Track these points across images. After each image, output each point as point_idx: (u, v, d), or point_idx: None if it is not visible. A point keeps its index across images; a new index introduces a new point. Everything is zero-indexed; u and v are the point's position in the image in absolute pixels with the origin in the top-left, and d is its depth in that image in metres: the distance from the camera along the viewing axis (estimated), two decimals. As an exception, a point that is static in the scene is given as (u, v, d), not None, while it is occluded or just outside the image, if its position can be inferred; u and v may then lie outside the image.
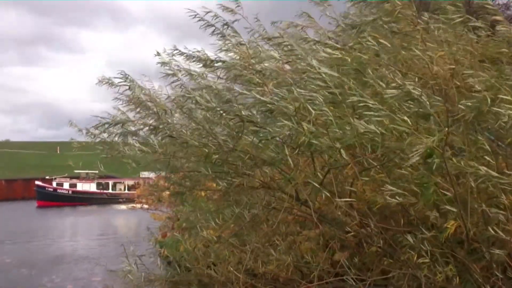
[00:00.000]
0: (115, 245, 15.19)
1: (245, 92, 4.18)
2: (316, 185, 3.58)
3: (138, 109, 4.81)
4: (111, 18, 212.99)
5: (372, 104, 3.17)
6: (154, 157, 4.48)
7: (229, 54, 4.74)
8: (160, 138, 4.50)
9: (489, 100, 3.14)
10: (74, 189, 50.52)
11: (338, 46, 4.06)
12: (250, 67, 4.36)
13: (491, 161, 3.39)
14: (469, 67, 3.66)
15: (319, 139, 3.30)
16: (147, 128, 4.65)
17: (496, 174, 3.14)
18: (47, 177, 52.11)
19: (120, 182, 51.57)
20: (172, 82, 4.91)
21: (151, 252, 7.12)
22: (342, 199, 3.64)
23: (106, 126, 4.63)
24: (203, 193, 5.58)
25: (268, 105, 3.61)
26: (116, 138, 4.76)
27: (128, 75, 4.75)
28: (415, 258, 3.50)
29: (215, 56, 4.78)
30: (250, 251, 4.39)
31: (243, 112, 3.86)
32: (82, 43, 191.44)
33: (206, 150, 4.08)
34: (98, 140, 4.91)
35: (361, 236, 3.95)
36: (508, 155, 3.69)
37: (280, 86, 3.94)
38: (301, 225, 4.98)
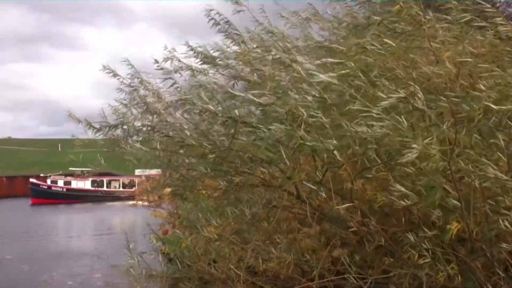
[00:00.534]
0: (114, 242, 15.18)
1: (240, 94, 4.18)
2: (314, 184, 3.58)
3: (139, 104, 4.82)
4: (113, 16, 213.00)
5: (376, 113, 3.14)
6: (154, 155, 4.49)
7: (230, 53, 4.74)
8: (158, 137, 4.51)
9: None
10: (68, 186, 50.31)
11: (342, 48, 4.03)
12: (250, 67, 4.36)
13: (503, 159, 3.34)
14: (474, 67, 3.64)
15: (313, 142, 3.31)
16: (146, 128, 4.66)
17: (506, 177, 3.11)
18: (42, 175, 51.98)
19: (115, 180, 51.31)
20: (172, 84, 4.92)
21: (152, 249, 7.11)
22: (342, 206, 3.63)
23: (107, 129, 4.65)
24: (203, 191, 5.58)
25: (263, 107, 3.62)
26: (118, 131, 4.77)
27: (132, 65, 4.78)
28: (417, 257, 3.49)
29: (218, 52, 4.79)
30: (251, 249, 4.38)
31: (237, 112, 3.87)
32: (83, 40, 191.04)
33: (203, 150, 4.08)
34: (99, 135, 4.90)
35: (362, 234, 3.94)
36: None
37: (278, 87, 3.94)
38: (300, 222, 4.97)
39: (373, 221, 3.73)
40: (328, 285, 4.09)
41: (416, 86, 3.17)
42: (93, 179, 50.78)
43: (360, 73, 3.48)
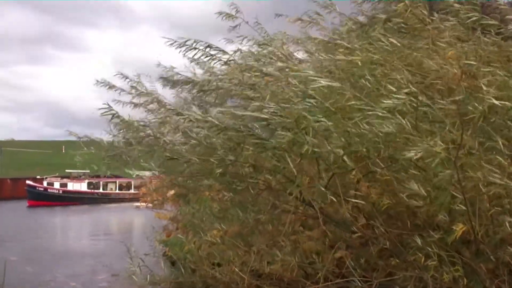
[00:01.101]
0: (116, 244, 15.16)
1: (239, 113, 4.15)
2: (322, 188, 3.56)
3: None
4: (115, 17, 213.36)
5: (382, 113, 3.12)
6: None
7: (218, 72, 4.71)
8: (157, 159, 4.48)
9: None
10: (64, 188, 49.91)
11: (348, 45, 4.02)
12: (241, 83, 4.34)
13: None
14: (479, 67, 3.61)
15: (321, 148, 3.29)
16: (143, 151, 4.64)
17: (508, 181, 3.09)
18: (38, 177, 51.83)
19: (111, 182, 50.91)
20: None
21: (154, 251, 7.10)
22: (347, 206, 3.61)
23: (107, 159, 4.64)
24: (207, 193, 5.57)
25: (266, 121, 3.60)
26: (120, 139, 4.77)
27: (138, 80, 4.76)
28: (422, 259, 3.47)
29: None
30: (255, 252, 4.37)
31: (241, 127, 3.84)
32: (87, 41, 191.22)
33: (209, 166, 4.04)
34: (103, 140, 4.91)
35: (367, 237, 3.92)
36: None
37: (275, 96, 3.91)
38: (303, 224, 4.95)
39: (379, 223, 3.71)
40: (332, 288, 4.08)
41: (420, 85, 3.16)
42: (89, 181, 50.44)
43: (366, 72, 3.47)
